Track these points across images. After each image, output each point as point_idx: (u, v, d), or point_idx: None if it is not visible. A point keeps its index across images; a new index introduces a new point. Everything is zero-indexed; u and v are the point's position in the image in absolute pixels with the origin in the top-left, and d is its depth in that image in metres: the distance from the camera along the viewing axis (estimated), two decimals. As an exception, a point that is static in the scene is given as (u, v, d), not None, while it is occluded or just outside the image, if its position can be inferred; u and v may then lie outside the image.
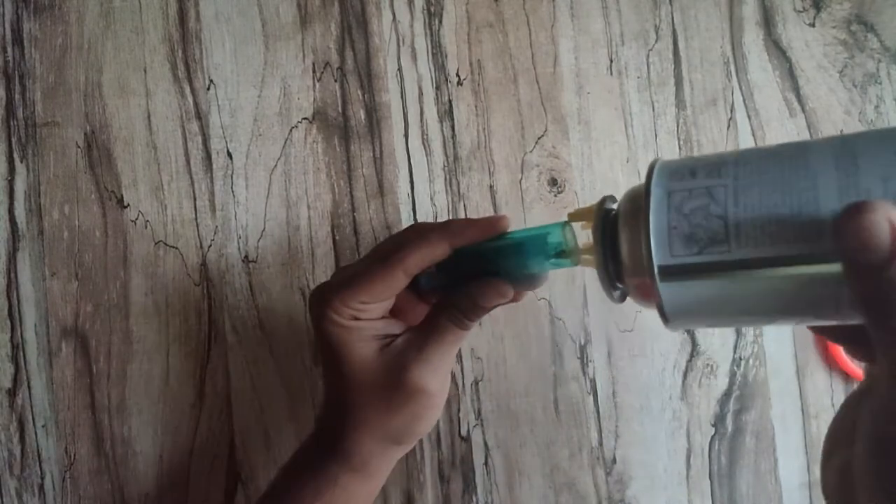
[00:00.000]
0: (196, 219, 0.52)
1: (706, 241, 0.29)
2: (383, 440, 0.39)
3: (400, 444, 0.40)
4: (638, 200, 0.31)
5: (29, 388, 0.51)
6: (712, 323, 0.32)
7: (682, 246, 0.29)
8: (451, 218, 0.52)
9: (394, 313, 0.41)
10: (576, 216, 0.37)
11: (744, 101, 0.52)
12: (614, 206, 0.35)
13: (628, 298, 0.35)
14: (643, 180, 0.32)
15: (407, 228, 0.40)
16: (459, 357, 0.52)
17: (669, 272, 0.30)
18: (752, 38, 0.53)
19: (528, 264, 0.37)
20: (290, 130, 0.53)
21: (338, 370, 0.38)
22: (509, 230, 0.38)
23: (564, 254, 0.37)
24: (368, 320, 0.38)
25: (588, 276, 0.52)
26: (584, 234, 0.36)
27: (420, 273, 0.38)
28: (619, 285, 0.34)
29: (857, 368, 0.51)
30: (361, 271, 0.37)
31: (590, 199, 0.52)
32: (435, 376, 0.38)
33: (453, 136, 0.52)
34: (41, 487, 0.51)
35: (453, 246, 0.37)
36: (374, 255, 0.39)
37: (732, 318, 0.31)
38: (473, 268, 0.38)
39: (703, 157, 0.32)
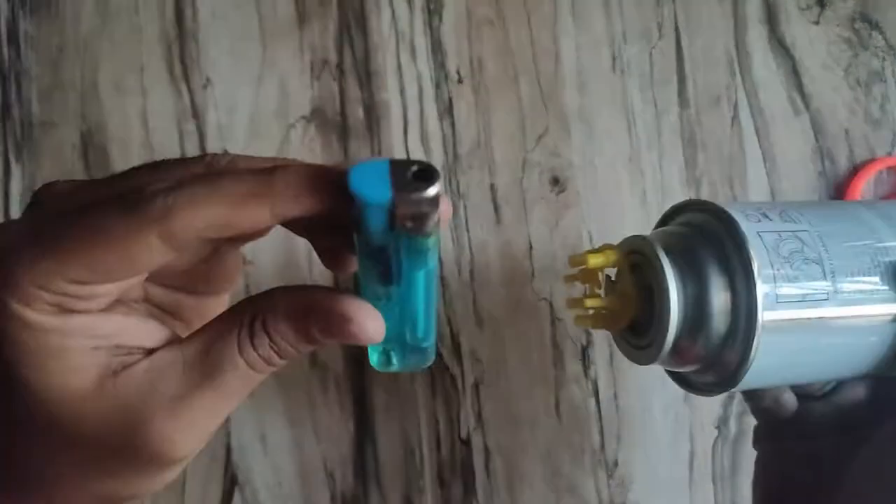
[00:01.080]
0: (193, 219, 0.52)
1: (809, 287, 0.27)
2: None
3: None
4: (717, 241, 0.28)
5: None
6: (785, 377, 0.30)
7: (788, 293, 0.27)
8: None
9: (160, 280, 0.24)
10: (593, 262, 0.31)
11: (747, 99, 0.52)
12: (644, 250, 0.30)
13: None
14: (695, 219, 0.28)
15: (174, 162, 0.23)
16: (459, 359, 0.51)
17: (773, 322, 0.27)
18: (756, 36, 0.53)
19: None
20: (288, 129, 0.52)
21: (12, 407, 0.20)
22: None
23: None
24: (88, 313, 0.20)
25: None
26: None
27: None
28: (645, 345, 0.30)
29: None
30: (84, 225, 0.19)
31: (592, 200, 0.52)
32: (195, 437, 0.22)
33: (453, 134, 0.52)
34: (36, 491, 0.50)
35: (279, 218, 0.20)
36: (114, 189, 0.21)
37: (810, 370, 0.30)
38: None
39: (747, 203, 0.31)
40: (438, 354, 0.51)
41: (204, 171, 0.21)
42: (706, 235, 0.29)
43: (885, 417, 0.32)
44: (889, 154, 0.52)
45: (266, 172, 0.20)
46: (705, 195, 0.51)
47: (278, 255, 0.51)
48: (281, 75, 0.53)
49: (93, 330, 0.20)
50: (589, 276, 0.31)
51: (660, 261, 0.29)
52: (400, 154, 0.52)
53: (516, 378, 0.51)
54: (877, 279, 0.28)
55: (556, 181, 0.52)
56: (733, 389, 0.29)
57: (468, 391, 0.51)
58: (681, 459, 0.51)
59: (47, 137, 0.52)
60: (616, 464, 0.50)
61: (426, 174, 0.19)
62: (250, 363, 0.21)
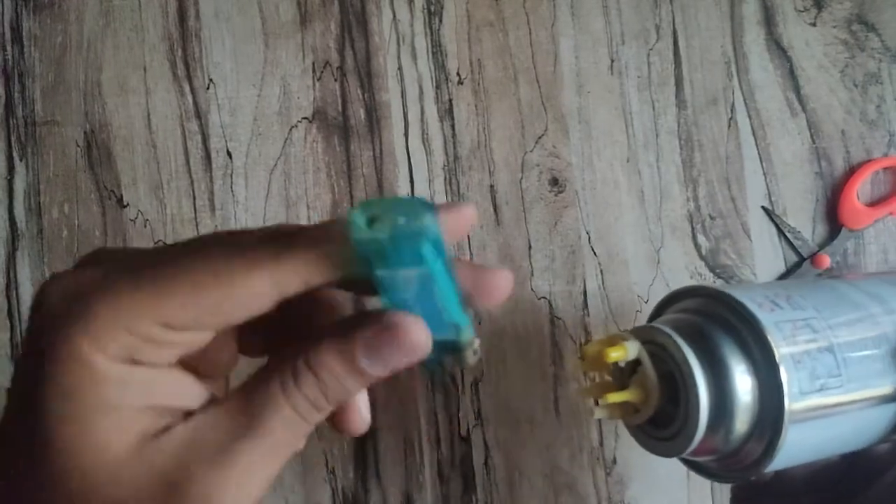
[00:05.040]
0: (195, 218, 0.52)
1: (825, 376, 0.27)
2: None
3: None
4: (737, 332, 0.27)
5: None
6: (805, 458, 0.30)
7: (809, 383, 0.27)
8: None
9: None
10: (606, 354, 0.29)
11: (744, 100, 0.52)
12: (658, 340, 0.29)
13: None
14: (705, 307, 0.28)
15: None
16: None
17: (797, 413, 0.27)
18: (753, 38, 0.53)
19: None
20: (290, 130, 0.52)
21: (38, 472, 0.18)
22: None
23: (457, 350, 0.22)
24: (153, 367, 0.19)
25: (588, 275, 0.52)
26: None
27: None
28: (665, 435, 0.29)
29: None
30: (190, 261, 0.18)
31: (590, 200, 0.52)
32: (242, 497, 0.19)
33: (453, 135, 0.52)
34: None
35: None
36: (223, 242, 0.20)
37: (826, 451, 0.30)
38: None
39: (748, 286, 0.30)
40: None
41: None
42: (720, 324, 0.28)
43: (859, 476, 0.32)
44: (885, 155, 0.52)
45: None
46: (702, 195, 0.52)
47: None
48: (283, 76, 0.53)
49: (153, 387, 0.18)
50: (602, 366, 0.30)
51: (681, 351, 0.28)
52: (400, 153, 0.52)
53: (515, 376, 0.51)
54: (880, 361, 0.28)
55: (554, 181, 0.52)
56: (764, 473, 0.29)
57: (468, 388, 0.51)
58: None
59: (51, 136, 0.53)
60: (614, 461, 0.51)
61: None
62: (296, 406, 0.19)
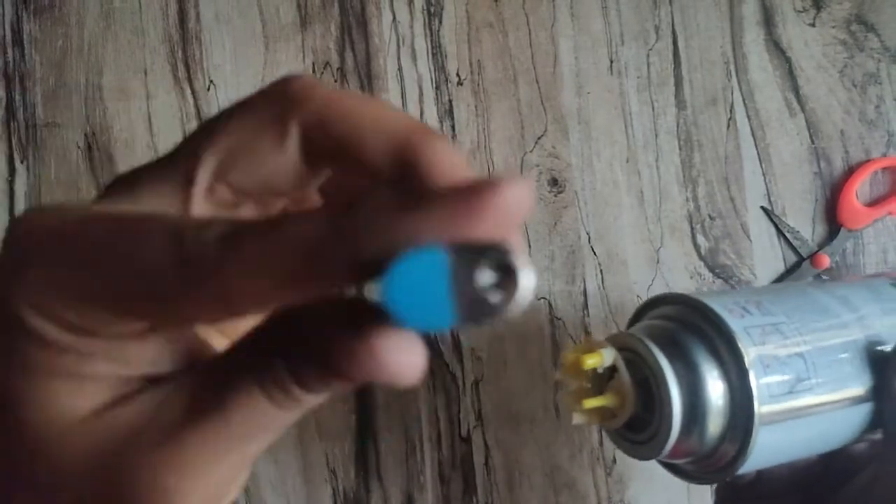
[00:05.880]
0: (196, 219, 0.52)
1: (794, 380, 0.28)
2: None
3: None
4: (709, 339, 0.28)
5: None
6: (780, 459, 0.31)
7: (778, 386, 0.28)
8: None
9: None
10: (585, 358, 0.30)
11: (744, 100, 0.52)
12: (635, 347, 0.30)
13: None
14: (678, 314, 0.29)
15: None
16: (459, 357, 0.51)
17: (767, 416, 0.27)
18: (753, 38, 0.53)
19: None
20: (290, 131, 0.52)
21: (19, 412, 0.16)
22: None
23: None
24: (105, 339, 0.16)
25: (588, 275, 0.52)
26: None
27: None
28: (636, 437, 0.30)
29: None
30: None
31: (590, 200, 0.52)
32: (199, 485, 0.16)
33: (453, 136, 0.52)
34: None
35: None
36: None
37: (800, 452, 0.31)
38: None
39: (721, 292, 0.32)
40: (439, 353, 0.51)
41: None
42: (693, 330, 0.29)
43: (836, 476, 0.33)
44: (884, 155, 0.52)
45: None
46: (702, 196, 0.52)
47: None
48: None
49: (113, 352, 0.16)
50: (580, 372, 0.31)
51: (655, 357, 0.29)
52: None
53: (516, 376, 0.51)
54: (849, 364, 0.29)
55: (554, 182, 0.52)
56: (735, 474, 0.30)
57: (468, 389, 0.51)
58: (678, 456, 0.51)
59: (52, 139, 0.53)
60: (614, 461, 0.51)
61: (506, 268, 0.13)
62: (268, 393, 0.16)
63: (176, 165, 0.17)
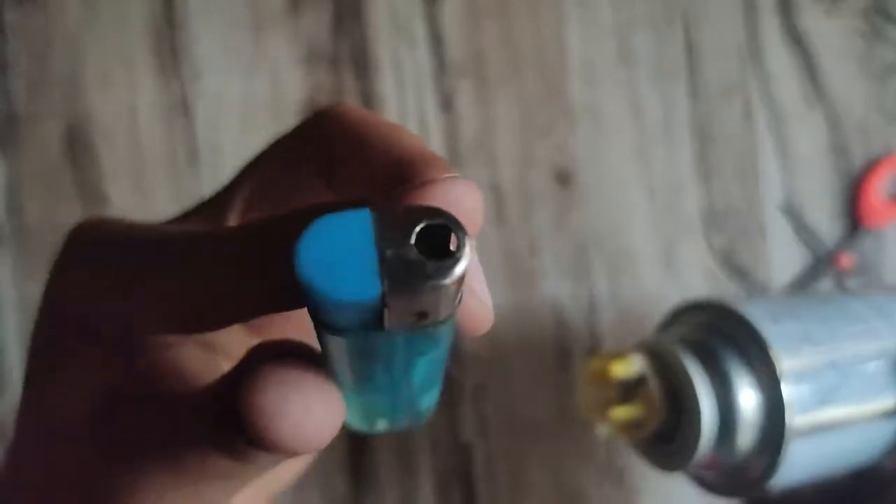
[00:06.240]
0: (182, 216, 0.51)
1: (826, 390, 0.28)
2: None
3: None
4: (742, 346, 0.29)
5: (11, 393, 0.49)
6: (810, 474, 0.31)
7: (810, 397, 0.28)
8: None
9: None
10: (608, 368, 0.31)
11: (760, 92, 0.52)
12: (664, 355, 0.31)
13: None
14: (708, 320, 0.29)
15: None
16: (460, 361, 0.50)
17: (798, 429, 0.28)
18: (769, 28, 0.52)
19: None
20: (281, 122, 0.52)
21: (42, 394, 0.18)
22: None
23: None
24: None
25: (596, 275, 0.50)
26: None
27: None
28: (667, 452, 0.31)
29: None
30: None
31: (596, 195, 0.51)
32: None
33: (454, 128, 0.51)
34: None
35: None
36: None
37: (831, 466, 0.31)
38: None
39: (747, 300, 0.32)
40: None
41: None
42: (725, 338, 0.30)
43: (867, 492, 0.33)
44: (905, 149, 0.51)
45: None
46: (716, 191, 0.51)
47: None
48: (274, 66, 0.52)
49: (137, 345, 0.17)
50: (606, 381, 0.31)
51: (684, 366, 0.29)
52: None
53: (520, 381, 0.50)
54: (882, 375, 0.29)
55: (561, 177, 0.51)
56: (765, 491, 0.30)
57: (469, 394, 0.50)
58: (690, 466, 0.50)
59: (32, 131, 0.52)
60: (623, 472, 0.50)
61: (440, 234, 0.12)
62: (221, 450, 0.14)
63: (216, 197, 0.20)
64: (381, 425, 0.18)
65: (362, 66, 0.52)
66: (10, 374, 0.50)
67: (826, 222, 0.51)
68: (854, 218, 0.50)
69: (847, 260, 0.50)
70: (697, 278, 0.50)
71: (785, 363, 0.28)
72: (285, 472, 0.20)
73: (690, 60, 0.52)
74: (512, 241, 0.51)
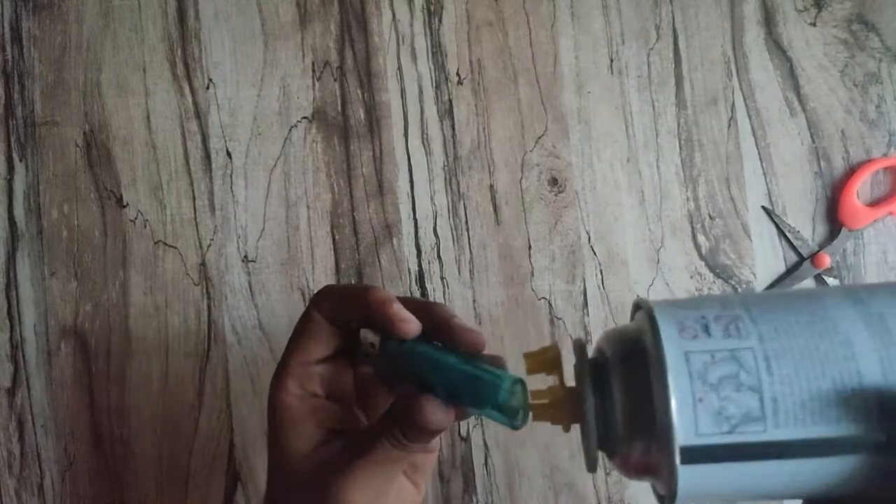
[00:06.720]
0: (195, 218, 0.52)
1: (739, 418, 0.24)
2: None
3: None
4: (641, 359, 0.26)
5: (28, 387, 0.51)
6: (730, 500, 0.29)
7: (711, 423, 0.24)
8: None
9: (361, 402, 0.35)
10: (535, 366, 0.30)
11: (744, 100, 0.52)
12: (589, 355, 0.29)
13: (606, 465, 0.30)
14: (638, 324, 0.26)
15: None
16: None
17: (692, 453, 0.24)
18: (753, 38, 0.53)
19: (467, 401, 0.30)
20: (290, 130, 0.52)
21: (278, 449, 0.33)
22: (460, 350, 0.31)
23: (506, 410, 0.29)
24: (317, 397, 0.33)
25: (588, 275, 0.52)
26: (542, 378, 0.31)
27: (362, 345, 0.32)
28: (603, 453, 0.28)
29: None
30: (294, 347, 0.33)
31: (590, 200, 0.52)
32: (365, 496, 0.31)
33: (453, 135, 0.52)
34: (41, 487, 0.51)
35: (359, 310, 0.31)
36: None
37: (754, 496, 0.27)
38: (417, 368, 0.31)
39: (703, 300, 0.27)
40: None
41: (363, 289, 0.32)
42: (633, 347, 0.27)
43: None
44: (885, 155, 0.52)
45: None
46: (702, 195, 0.52)
47: (279, 254, 0.52)
48: (283, 76, 0.53)
49: (321, 408, 0.33)
50: (553, 368, 0.30)
51: (581, 377, 0.27)
52: (400, 153, 0.52)
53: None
54: (836, 405, 0.24)
55: (554, 181, 0.52)
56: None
57: None
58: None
59: (50, 136, 0.53)
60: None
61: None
62: (392, 444, 0.30)
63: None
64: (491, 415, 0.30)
65: (367, 75, 0.53)
66: (29, 366, 0.51)
67: (808, 225, 0.51)
68: (835, 221, 0.51)
69: (827, 260, 0.50)
70: (684, 278, 0.51)
71: (683, 382, 0.24)
72: (429, 460, 0.35)
73: (678, 70, 0.53)
74: (508, 241, 0.52)
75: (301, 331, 0.33)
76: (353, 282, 0.51)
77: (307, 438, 0.32)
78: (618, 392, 0.26)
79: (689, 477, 0.25)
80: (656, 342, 0.25)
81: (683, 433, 0.24)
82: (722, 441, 0.24)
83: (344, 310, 0.32)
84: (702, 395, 0.24)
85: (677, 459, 0.24)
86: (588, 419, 0.27)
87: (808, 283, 0.51)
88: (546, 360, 0.29)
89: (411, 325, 0.31)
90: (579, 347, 0.28)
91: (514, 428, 0.29)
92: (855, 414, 0.24)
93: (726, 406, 0.24)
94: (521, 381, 0.30)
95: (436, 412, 0.29)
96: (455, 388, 0.30)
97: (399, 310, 0.30)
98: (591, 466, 0.28)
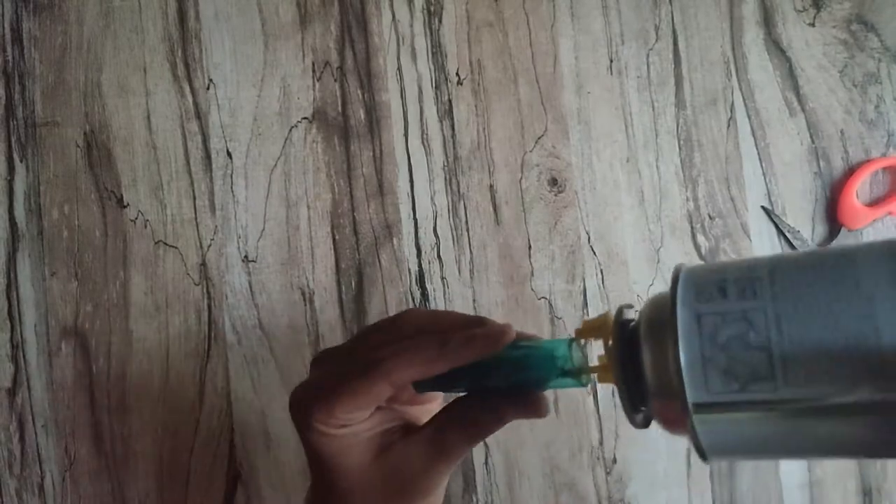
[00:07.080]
0: (196, 218, 0.52)
1: (747, 376, 0.25)
2: None
3: None
4: (661, 322, 0.27)
5: (29, 387, 0.51)
6: (757, 457, 0.29)
7: (720, 382, 0.25)
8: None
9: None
10: (587, 332, 0.32)
11: (744, 100, 0.52)
12: (632, 318, 0.30)
13: (653, 423, 0.30)
14: (668, 290, 0.27)
15: (396, 321, 0.35)
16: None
17: (706, 409, 0.25)
18: (753, 38, 0.53)
19: (529, 382, 0.33)
20: (290, 130, 0.53)
21: (334, 485, 0.34)
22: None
23: (571, 373, 0.32)
24: (359, 424, 0.33)
25: (588, 275, 0.52)
26: (597, 346, 0.32)
27: None
28: (643, 408, 0.30)
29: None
30: (342, 383, 0.32)
31: (590, 200, 0.52)
32: (440, 486, 0.35)
33: (453, 135, 0.53)
34: (41, 487, 0.51)
35: (449, 366, 0.32)
36: (358, 357, 0.34)
37: (778, 454, 0.28)
38: (471, 377, 0.33)
39: (732, 264, 0.28)
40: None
41: (407, 341, 0.33)
42: (660, 313, 0.28)
43: None
44: (884, 155, 0.52)
45: (441, 335, 0.32)
46: (702, 195, 0.52)
47: (279, 254, 0.52)
48: (283, 76, 0.53)
49: (365, 430, 0.33)
50: (604, 333, 0.32)
51: (615, 333, 0.29)
52: (400, 153, 0.52)
53: None
54: (849, 366, 0.24)
55: (554, 181, 0.52)
56: (712, 462, 0.28)
57: None
58: (678, 456, 0.51)
59: (51, 137, 0.53)
60: (614, 460, 0.51)
61: None
62: (470, 442, 0.33)
63: None
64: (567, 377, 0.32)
65: (367, 76, 0.53)
66: (29, 366, 0.51)
67: (807, 225, 0.52)
68: (834, 220, 0.51)
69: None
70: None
71: (694, 342, 0.26)
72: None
73: (677, 70, 0.53)
74: (508, 241, 0.52)
75: (358, 390, 0.32)
76: (353, 282, 0.52)
77: (365, 453, 0.34)
78: (644, 353, 0.28)
79: (709, 433, 0.26)
80: (672, 306, 0.26)
81: (694, 391, 0.25)
82: (733, 399, 0.25)
83: (417, 377, 0.32)
84: (710, 355, 0.25)
85: (691, 414, 0.26)
86: (617, 378, 0.29)
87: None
88: (596, 325, 0.31)
89: (509, 333, 0.32)
90: (618, 312, 0.30)
91: (584, 385, 0.32)
92: (870, 373, 0.23)
93: (734, 366, 0.25)
94: (572, 340, 0.32)
95: (523, 409, 0.32)
96: (517, 374, 0.32)
97: (480, 337, 0.32)
98: (631, 422, 0.30)
